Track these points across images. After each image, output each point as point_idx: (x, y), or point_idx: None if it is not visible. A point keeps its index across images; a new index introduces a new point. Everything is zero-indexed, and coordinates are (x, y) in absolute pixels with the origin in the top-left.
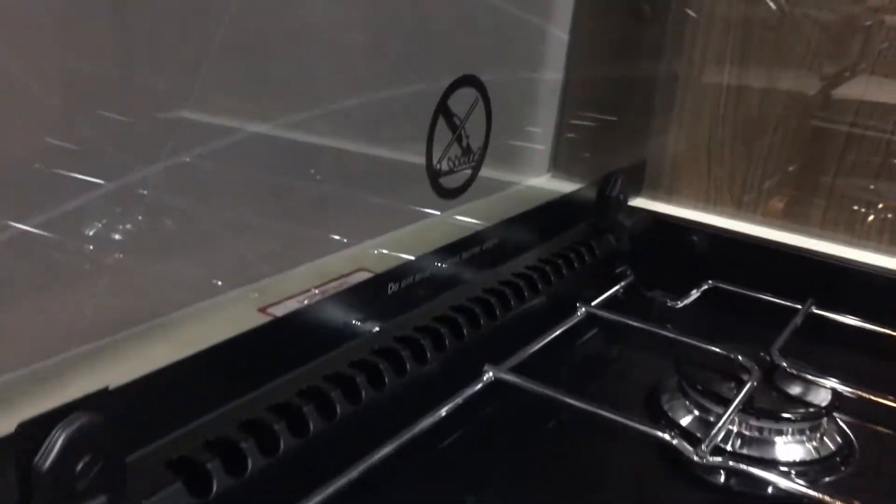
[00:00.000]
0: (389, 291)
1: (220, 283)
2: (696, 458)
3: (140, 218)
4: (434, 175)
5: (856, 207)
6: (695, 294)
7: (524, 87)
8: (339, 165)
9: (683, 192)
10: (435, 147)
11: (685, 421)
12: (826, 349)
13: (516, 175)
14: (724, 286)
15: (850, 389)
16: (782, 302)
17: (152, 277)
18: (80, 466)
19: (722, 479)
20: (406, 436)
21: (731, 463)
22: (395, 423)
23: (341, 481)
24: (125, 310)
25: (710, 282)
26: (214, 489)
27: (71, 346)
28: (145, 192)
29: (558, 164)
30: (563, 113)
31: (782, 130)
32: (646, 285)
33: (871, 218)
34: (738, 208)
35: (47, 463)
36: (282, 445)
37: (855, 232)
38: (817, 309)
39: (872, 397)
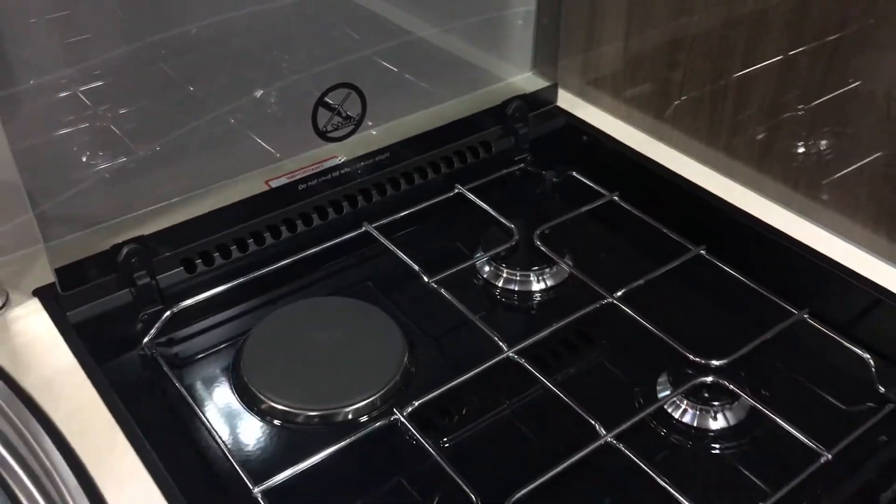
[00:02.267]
0: (323, 178)
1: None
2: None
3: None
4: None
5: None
6: (552, 179)
7: None
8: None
9: (605, 102)
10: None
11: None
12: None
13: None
14: (577, 178)
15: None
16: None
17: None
18: (132, 260)
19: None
20: (303, 254)
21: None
22: (302, 247)
23: (271, 267)
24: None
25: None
26: (198, 270)
27: (148, 205)
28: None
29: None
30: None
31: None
32: (541, 174)
33: (773, 159)
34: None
35: (120, 258)
36: (234, 255)
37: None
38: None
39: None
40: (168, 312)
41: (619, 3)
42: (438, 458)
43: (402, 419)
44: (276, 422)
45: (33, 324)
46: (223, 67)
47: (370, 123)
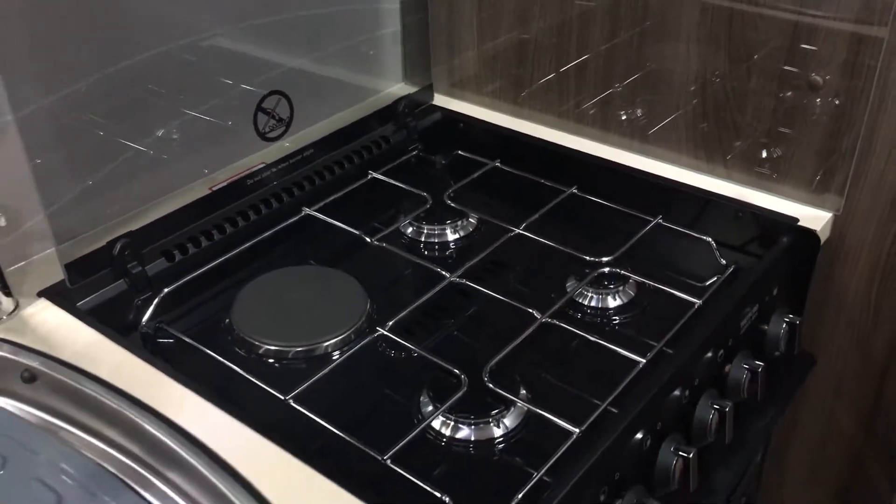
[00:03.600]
0: (263, 175)
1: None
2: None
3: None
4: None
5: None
6: (441, 161)
7: None
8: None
9: (472, 91)
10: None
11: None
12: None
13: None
14: (466, 154)
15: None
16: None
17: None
18: (126, 253)
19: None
20: (257, 238)
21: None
22: (259, 232)
23: (236, 251)
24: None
25: (458, 151)
26: (177, 259)
27: (132, 207)
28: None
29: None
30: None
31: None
32: (431, 159)
33: (611, 115)
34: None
35: (115, 252)
36: (203, 244)
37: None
38: (503, 165)
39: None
40: (158, 297)
41: (471, 20)
42: (423, 353)
43: (385, 332)
44: (272, 360)
45: (50, 317)
46: (185, 86)
47: (295, 127)
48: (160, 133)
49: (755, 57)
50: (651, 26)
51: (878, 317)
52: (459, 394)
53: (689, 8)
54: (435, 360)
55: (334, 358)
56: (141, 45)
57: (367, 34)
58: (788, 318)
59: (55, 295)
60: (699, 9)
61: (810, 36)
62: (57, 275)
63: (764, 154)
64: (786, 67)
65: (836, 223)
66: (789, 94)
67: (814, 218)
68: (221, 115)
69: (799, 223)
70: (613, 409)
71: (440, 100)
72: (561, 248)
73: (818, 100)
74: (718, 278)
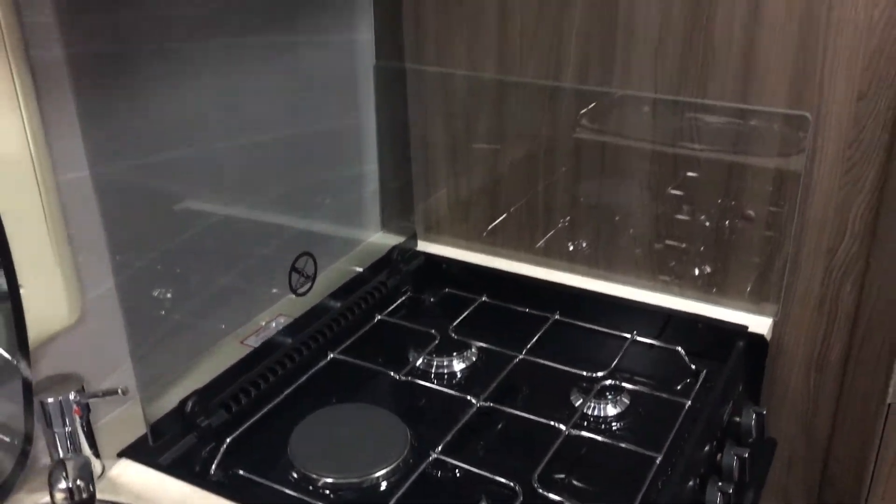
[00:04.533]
0: (294, 326)
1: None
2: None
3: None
4: (293, 291)
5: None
6: (430, 299)
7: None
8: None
9: (448, 235)
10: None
11: (412, 357)
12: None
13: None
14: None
15: (484, 344)
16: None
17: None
18: (195, 409)
19: (422, 385)
20: (296, 384)
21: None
22: (294, 377)
23: (281, 396)
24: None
25: (446, 288)
26: (234, 410)
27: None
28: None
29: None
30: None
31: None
32: (421, 297)
33: (577, 247)
34: (484, 244)
35: (187, 409)
36: (253, 393)
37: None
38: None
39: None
40: (224, 445)
41: (446, 173)
42: (474, 469)
43: (437, 455)
44: (329, 492)
45: (136, 476)
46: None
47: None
48: (213, 294)
49: (698, 194)
50: (608, 170)
51: (818, 405)
52: (517, 502)
53: (640, 158)
54: (486, 474)
55: (392, 484)
56: (189, 223)
57: (355, 193)
58: (755, 409)
59: (138, 454)
60: (648, 158)
61: (742, 173)
62: (129, 434)
63: (711, 272)
64: (722, 201)
65: (776, 327)
66: (728, 223)
67: (759, 323)
68: (259, 277)
69: (749, 329)
70: (645, 501)
71: (422, 245)
72: (561, 367)
73: (754, 228)
74: (695, 381)
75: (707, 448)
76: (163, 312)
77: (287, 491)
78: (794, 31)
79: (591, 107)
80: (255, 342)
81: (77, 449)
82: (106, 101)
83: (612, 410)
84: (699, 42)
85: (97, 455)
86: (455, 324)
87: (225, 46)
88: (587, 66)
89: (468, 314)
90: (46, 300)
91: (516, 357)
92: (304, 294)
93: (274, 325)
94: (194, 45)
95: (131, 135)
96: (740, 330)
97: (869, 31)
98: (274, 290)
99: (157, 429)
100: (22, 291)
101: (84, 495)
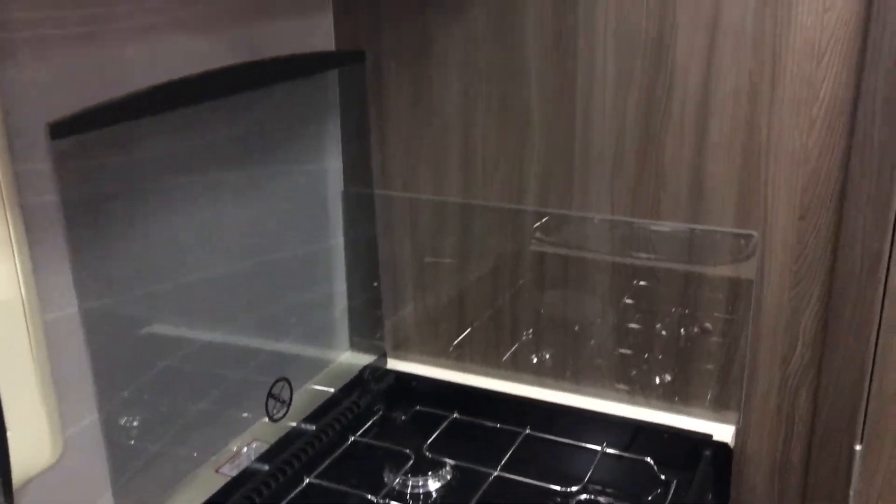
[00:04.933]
0: (269, 452)
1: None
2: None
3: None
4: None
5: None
6: (401, 417)
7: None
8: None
9: (417, 352)
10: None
11: (387, 478)
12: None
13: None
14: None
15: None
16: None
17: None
18: None
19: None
20: None
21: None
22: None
23: None
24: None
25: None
26: None
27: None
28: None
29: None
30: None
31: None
32: (393, 416)
33: (541, 359)
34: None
35: None
36: None
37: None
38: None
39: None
40: None
41: (413, 291)
42: None
43: None
44: None
45: None
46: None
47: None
48: (189, 422)
49: (654, 303)
50: (567, 282)
51: None
52: None
53: (596, 269)
54: None
55: None
56: (169, 352)
57: (325, 314)
58: None
59: None
60: (604, 269)
61: (697, 283)
62: None
63: (671, 381)
64: (677, 310)
65: (738, 434)
66: (685, 332)
67: (722, 431)
68: (234, 402)
69: (713, 438)
70: None
71: (392, 363)
72: (536, 483)
73: (711, 338)
74: (666, 492)
75: None
76: (142, 443)
77: None
78: (738, 156)
79: (544, 220)
80: (230, 470)
81: None
82: (95, 241)
83: None
84: (651, 165)
85: None
86: (428, 442)
87: (204, 182)
88: (547, 190)
89: (441, 431)
90: (30, 442)
91: (491, 474)
92: (279, 419)
93: (247, 450)
94: (176, 182)
95: (118, 270)
96: (705, 439)
97: (805, 157)
98: (247, 415)
99: None
100: (7, 434)
101: None
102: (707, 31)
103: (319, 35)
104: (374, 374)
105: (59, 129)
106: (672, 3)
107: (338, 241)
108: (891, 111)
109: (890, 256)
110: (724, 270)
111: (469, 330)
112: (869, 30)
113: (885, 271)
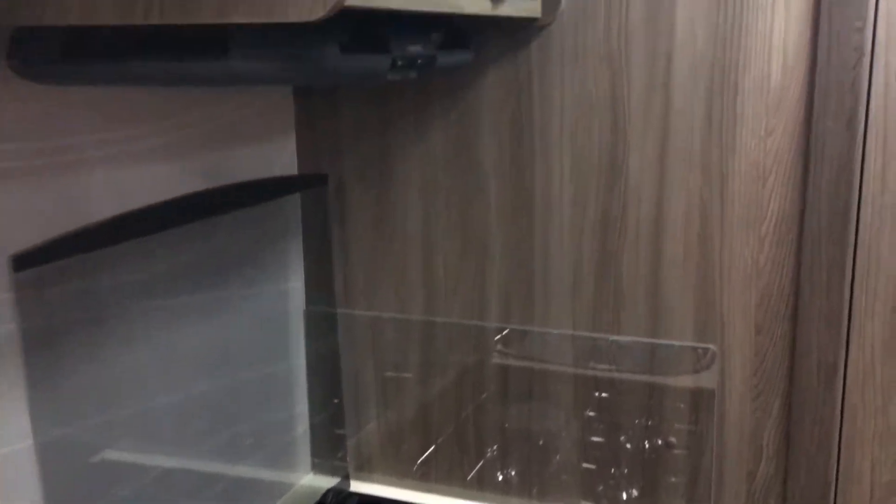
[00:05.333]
0: None
1: None
2: None
3: None
4: None
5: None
6: None
7: None
8: None
9: (381, 472)
10: None
11: None
12: None
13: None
14: None
15: None
16: None
17: None
18: None
19: None
20: None
21: None
22: None
23: None
24: None
25: None
26: None
27: None
28: None
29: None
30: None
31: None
32: None
33: (507, 476)
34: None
35: None
36: None
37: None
38: None
39: None
40: None
41: (374, 409)
42: None
43: None
44: None
45: None
46: None
47: None
48: None
49: (617, 415)
50: (530, 395)
51: None
52: None
53: (559, 382)
54: None
55: None
56: (128, 480)
57: (286, 436)
58: None
59: None
60: (567, 382)
61: (659, 395)
62: None
63: (638, 496)
64: (641, 422)
65: None
66: (649, 445)
67: None
68: None
69: None
70: None
71: (355, 485)
72: None
73: (676, 451)
74: None
75: None
76: None
77: None
78: (693, 272)
79: (505, 332)
80: None
81: None
82: (54, 370)
83: None
84: (610, 281)
85: None
86: None
87: (165, 306)
88: (509, 306)
89: None
90: None
91: None
92: None
93: None
94: (138, 307)
95: (76, 399)
96: None
97: (757, 273)
98: None
99: None
100: None
101: None
102: (657, 154)
103: (283, 159)
104: (338, 498)
105: (22, 262)
106: (623, 127)
107: (299, 360)
108: (835, 229)
109: (846, 369)
110: (685, 381)
111: (433, 447)
112: (809, 153)
113: (841, 384)
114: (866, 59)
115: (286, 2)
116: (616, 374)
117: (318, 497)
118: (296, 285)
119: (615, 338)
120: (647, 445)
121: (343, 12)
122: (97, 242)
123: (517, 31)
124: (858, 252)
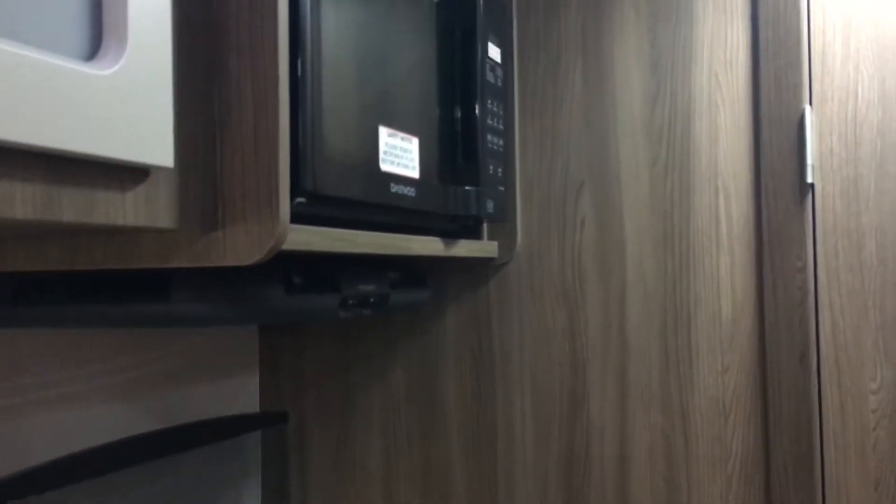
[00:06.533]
0: None
1: None
2: None
3: None
4: None
5: None
6: None
7: None
8: None
9: None
10: None
11: None
12: None
13: None
14: None
15: None
16: None
17: None
18: None
19: None
20: None
21: None
22: None
23: None
24: None
25: None
26: None
27: None
28: None
29: None
30: None
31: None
32: None
33: None
34: None
35: None
36: None
37: None
38: None
39: None
40: None
41: None
42: None
43: None
44: None
45: None
46: None
47: None
48: None
49: None
50: None
51: None
52: None
53: None
54: None
55: None
56: None
57: None
58: None
59: None
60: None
61: None
62: None
63: None
64: None
65: None
66: None
67: None
68: None
69: None
70: None
71: None
72: None
73: None
74: None
75: None
76: None
77: None
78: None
79: None
80: None
81: None
82: None
83: None
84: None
85: None
86: None
87: None
88: None
89: None
90: None
91: None
92: None
93: None
94: None
95: None
96: None
97: None
98: None
99: None
100: None
101: None
102: (617, 391)
103: (245, 396)
104: None
105: None
106: (582, 364)
107: None
108: (801, 473)
109: None
110: None
111: None
112: (767, 389)
113: None
114: (811, 298)
115: (224, 246)
116: None
117: None
118: None
119: None
120: None
121: (289, 254)
122: (47, 483)
123: (475, 269)
124: (827, 495)
